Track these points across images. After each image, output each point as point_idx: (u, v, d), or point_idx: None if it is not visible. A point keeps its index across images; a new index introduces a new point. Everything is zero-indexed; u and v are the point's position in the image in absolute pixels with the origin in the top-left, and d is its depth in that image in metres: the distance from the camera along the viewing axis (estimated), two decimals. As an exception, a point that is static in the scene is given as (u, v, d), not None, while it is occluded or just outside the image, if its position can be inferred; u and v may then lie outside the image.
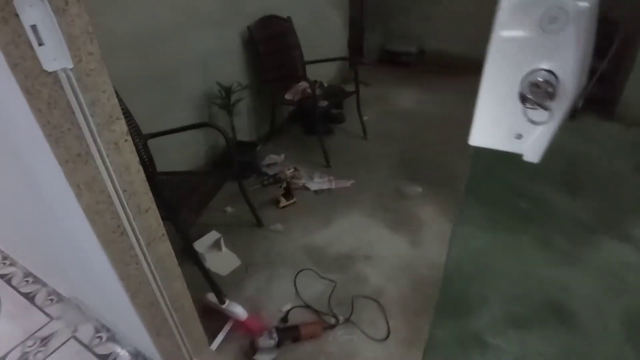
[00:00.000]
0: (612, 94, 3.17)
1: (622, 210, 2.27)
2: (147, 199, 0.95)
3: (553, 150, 2.54)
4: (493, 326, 1.65)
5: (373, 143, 3.05)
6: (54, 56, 0.67)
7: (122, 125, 0.82)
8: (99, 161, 0.80)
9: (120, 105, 1.47)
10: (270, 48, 2.70)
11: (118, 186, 0.85)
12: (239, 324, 1.58)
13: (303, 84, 2.69)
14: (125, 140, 0.85)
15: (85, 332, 1.50)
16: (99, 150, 0.79)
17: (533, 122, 0.53)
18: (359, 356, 1.53)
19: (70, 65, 0.70)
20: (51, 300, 1.65)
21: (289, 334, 1.53)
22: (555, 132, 0.55)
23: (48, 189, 0.91)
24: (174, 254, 1.09)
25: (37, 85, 0.68)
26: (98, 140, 0.79)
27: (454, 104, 3.59)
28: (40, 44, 0.66)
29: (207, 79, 2.41)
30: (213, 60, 2.43)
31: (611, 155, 2.75)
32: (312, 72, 2.98)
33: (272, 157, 2.73)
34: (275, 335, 1.49)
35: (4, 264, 1.83)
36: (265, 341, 1.48)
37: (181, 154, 2.35)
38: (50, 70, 0.68)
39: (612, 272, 1.89)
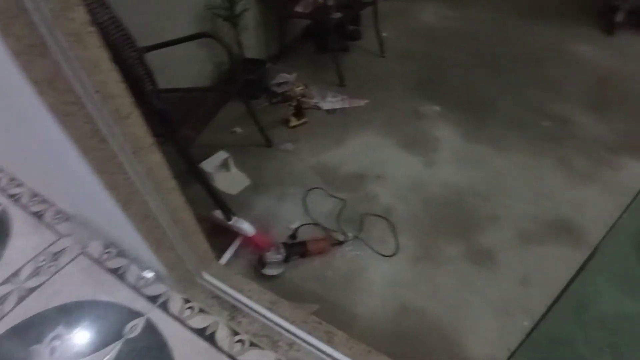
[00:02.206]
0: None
1: None
2: (126, 102, 0.87)
3: (584, 69, 2.31)
4: (502, 243, 1.60)
5: (391, 61, 2.82)
6: None
7: (81, 14, 0.72)
8: (58, 54, 0.72)
9: (107, 13, 1.36)
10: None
11: (88, 85, 0.78)
12: (247, 240, 1.59)
13: (315, -7, 2.44)
14: (89, 32, 0.75)
15: (95, 248, 1.54)
16: (56, 42, 0.70)
17: None
18: (367, 271, 1.53)
19: None
20: (59, 218, 1.68)
21: (296, 249, 1.53)
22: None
23: (11, 91, 0.84)
24: (166, 166, 1.04)
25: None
26: (55, 29, 0.69)
27: (479, 20, 3.24)
28: None
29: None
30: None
31: None
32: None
33: (284, 76, 2.58)
34: (282, 250, 1.49)
35: (12, 184, 1.87)
36: (272, 256, 1.48)
37: (185, 71, 2.23)
38: None
39: (629, 192, 1.77)
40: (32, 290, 1.40)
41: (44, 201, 1.75)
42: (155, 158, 0.99)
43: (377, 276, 1.51)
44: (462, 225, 1.68)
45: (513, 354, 1.26)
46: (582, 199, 1.77)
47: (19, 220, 1.68)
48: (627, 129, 2.11)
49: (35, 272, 1.46)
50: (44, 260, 1.50)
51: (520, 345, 1.29)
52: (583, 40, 2.82)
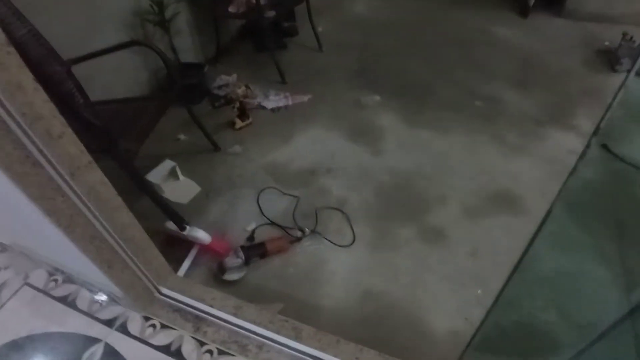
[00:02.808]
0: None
1: (568, 103, 2.30)
2: (57, 123, 0.83)
3: (506, 50, 2.50)
4: (451, 220, 1.70)
5: (329, 55, 2.86)
6: None
7: (-3, 33, 0.68)
8: (-25, 78, 0.67)
9: (26, 26, 1.27)
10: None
11: (12, 109, 0.73)
12: (204, 248, 1.56)
13: (246, -8, 2.41)
14: (8, 53, 0.70)
15: (38, 277, 1.44)
16: (-29, 65, 0.65)
17: None
18: (327, 263, 1.56)
19: None
20: (-8, 250, 1.56)
21: (255, 251, 1.53)
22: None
23: None
24: (109, 183, 1.00)
25: None
26: (-34, 51, 0.64)
27: (407, 9, 3.37)
28: None
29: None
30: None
31: (560, 52, 2.72)
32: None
33: (224, 78, 2.53)
34: (241, 253, 1.49)
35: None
36: (232, 260, 1.47)
37: (119, 82, 2.13)
38: None
39: (557, 159, 1.96)
40: (-27, 332, 1.29)
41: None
42: (96, 176, 0.95)
43: (338, 267, 1.55)
44: (413, 208, 1.77)
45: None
46: (517, 170, 1.92)
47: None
48: (549, 103, 2.31)
49: (-25, 312, 1.34)
50: (-19, 298, 1.38)
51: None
52: (502, 23, 3.03)
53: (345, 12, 3.40)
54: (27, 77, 0.75)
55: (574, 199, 1.83)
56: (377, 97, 2.38)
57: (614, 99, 2.30)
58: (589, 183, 1.91)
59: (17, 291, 1.38)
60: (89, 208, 0.95)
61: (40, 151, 0.80)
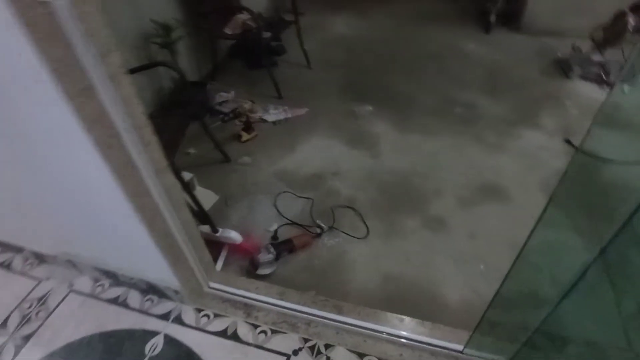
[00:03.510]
0: (518, 8, 3.48)
1: (533, 106, 2.64)
2: (148, 131, 0.98)
3: (475, 62, 2.87)
4: (448, 210, 1.94)
5: (318, 71, 3.10)
6: (49, -16, 0.66)
7: (117, 57, 0.83)
8: (103, 95, 0.82)
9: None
10: (200, -22, 2.54)
11: (123, 119, 0.88)
12: (235, 248, 1.70)
13: (243, 16, 2.61)
14: (122, 73, 0.86)
15: (83, 283, 1.53)
16: (102, 84, 0.81)
17: None
18: (347, 254, 1.74)
19: (65, -6, 0.69)
20: (31, 264, 1.62)
21: (284, 246, 1.69)
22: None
23: (47, 134, 0.90)
24: (178, 184, 1.14)
25: (35, 18, 0.67)
26: (99, 73, 0.80)
27: (384, 27, 3.71)
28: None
29: (140, 17, 2.25)
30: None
31: (521, 62, 3.10)
32: (244, 2, 2.86)
33: (223, 95, 2.69)
34: (272, 249, 1.64)
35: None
36: (264, 256, 1.62)
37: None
38: None
39: (530, 154, 2.26)
40: (27, 337, 1.36)
41: (7, 250, 1.66)
42: (170, 178, 1.10)
43: (357, 256, 1.73)
44: (414, 202, 1.99)
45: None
46: (498, 165, 2.19)
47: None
48: (517, 106, 2.64)
49: (25, 320, 1.41)
50: (30, 307, 1.45)
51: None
52: (469, 39, 3.40)
53: (327, 31, 3.67)
54: (132, 92, 0.90)
55: (550, 186, 2.12)
56: (369, 107, 2.61)
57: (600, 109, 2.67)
58: (559, 172, 2.22)
59: (64, 298, 1.47)
60: (166, 206, 1.09)
61: (139, 155, 0.95)
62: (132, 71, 1.74)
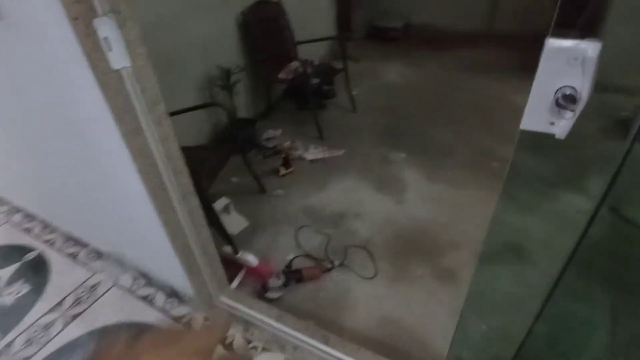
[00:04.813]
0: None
1: (581, 166, 2.58)
2: (180, 162, 1.23)
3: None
4: (461, 263, 1.98)
5: (362, 115, 3.32)
6: (118, 58, 0.94)
7: (162, 106, 1.10)
8: (148, 133, 1.08)
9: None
10: (263, 31, 2.92)
11: (161, 152, 1.14)
12: (251, 270, 1.90)
13: (295, 64, 2.93)
14: (165, 118, 1.12)
15: (125, 280, 1.82)
16: (147, 125, 1.07)
17: (563, 117, 0.81)
18: (352, 291, 1.86)
19: (129, 64, 0.97)
20: (92, 257, 1.96)
21: (293, 275, 1.85)
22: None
23: (108, 159, 1.19)
24: (201, 207, 1.38)
25: (109, 80, 0.95)
26: (147, 117, 1.06)
27: (434, 76, 3.86)
28: (110, 50, 0.92)
29: (208, 63, 2.65)
30: (211, 45, 2.66)
31: (578, 117, 3.04)
32: (303, 50, 3.20)
33: (270, 132, 3.00)
34: (282, 276, 1.81)
35: (45, 231, 2.14)
36: (274, 281, 1.79)
37: (187, 133, 2.61)
38: (116, 68, 0.95)
39: (566, 218, 2.22)
40: (75, 316, 1.66)
41: (76, 244, 2.02)
42: (195, 202, 1.34)
43: (361, 295, 1.84)
44: (428, 250, 2.06)
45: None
46: (526, 225, 2.18)
47: (56, 261, 1.95)
48: (561, 165, 2.60)
49: (77, 302, 1.72)
50: (83, 292, 1.76)
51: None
52: (521, 91, 3.42)
53: (378, 78, 3.91)
54: (171, 132, 1.16)
55: (580, 255, 2.07)
56: (403, 155, 2.75)
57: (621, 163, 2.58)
58: (597, 243, 2.16)
59: (108, 290, 1.76)
60: (187, 224, 1.32)
61: (169, 180, 1.20)
62: (189, 109, 2.09)
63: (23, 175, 1.84)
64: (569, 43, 0.79)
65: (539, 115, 0.90)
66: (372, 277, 1.92)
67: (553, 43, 0.78)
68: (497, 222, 2.14)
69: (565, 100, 0.82)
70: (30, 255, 2.00)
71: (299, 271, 1.88)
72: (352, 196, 2.44)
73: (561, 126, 0.89)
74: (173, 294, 1.68)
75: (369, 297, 1.83)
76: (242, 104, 3.07)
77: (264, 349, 1.48)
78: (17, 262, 1.97)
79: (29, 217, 2.27)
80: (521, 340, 1.31)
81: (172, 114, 2.04)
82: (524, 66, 3.85)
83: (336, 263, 1.97)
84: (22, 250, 2.06)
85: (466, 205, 2.35)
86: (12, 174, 1.95)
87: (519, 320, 1.65)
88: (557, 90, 0.85)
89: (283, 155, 2.58)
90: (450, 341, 1.58)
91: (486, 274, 1.93)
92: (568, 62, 0.79)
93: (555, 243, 2.10)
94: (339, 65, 3.24)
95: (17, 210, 2.35)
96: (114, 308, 1.67)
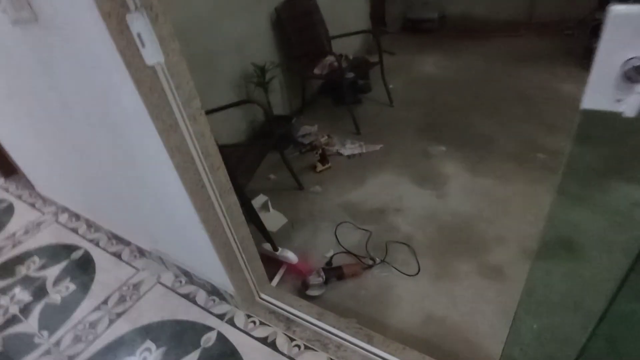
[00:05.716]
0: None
1: (635, 156, 2.37)
2: (217, 159, 1.23)
3: (569, 105, 2.72)
4: (509, 260, 1.86)
5: (399, 109, 3.22)
6: (152, 54, 0.94)
7: (197, 102, 1.09)
8: (184, 130, 1.08)
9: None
10: (297, 27, 2.90)
11: (198, 149, 1.13)
12: (291, 268, 1.88)
13: (329, 58, 2.89)
14: (200, 114, 1.12)
15: (167, 278, 1.86)
16: (184, 121, 1.07)
17: (633, 91, 0.74)
18: (394, 289, 1.79)
19: (162, 60, 0.96)
20: (135, 256, 2.02)
21: (334, 273, 1.82)
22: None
23: (146, 156, 1.20)
24: (239, 204, 1.37)
25: (143, 77, 0.96)
26: (183, 114, 1.06)
27: (473, 67, 3.68)
28: (143, 46, 0.92)
29: (243, 60, 2.67)
30: (246, 43, 2.67)
31: None
32: (337, 45, 3.16)
33: (306, 128, 2.98)
34: (322, 274, 1.78)
35: (89, 230, 2.24)
36: (314, 279, 1.77)
37: (225, 130, 2.65)
38: (150, 64, 0.95)
39: (621, 211, 2.03)
40: (120, 314, 1.71)
41: (119, 242, 2.09)
42: (233, 199, 1.33)
43: (404, 292, 1.78)
44: (473, 247, 1.95)
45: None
46: (578, 219, 2.03)
47: (100, 260, 2.03)
48: (614, 155, 2.41)
49: (121, 300, 1.77)
50: (127, 290, 1.81)
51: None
52: (567, 79, 3.20)
53: (414, 71, 3.79)
54: (207, 128, 1.16)
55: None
56: (443, 148, 2.64)
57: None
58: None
59: (151, 287, 1.80)
60: (226, 221, 1.32)
61: (207, 177, 1.20)
62: (225, 107, 2.10)
63: (67, 176, 1.93)
64: (638, 9, 0.70)
65: (604, 91, 0.81)
66: (415, 274, 1.85)
67: (619, 10, 0.69)
68: (554, 216, 2.00)
69: (637, 71, 0.72)
70: (77, 254, 2.10)
71: (339, 268, 1.84)
72: (391, 191, 2.36)
73: (630, 102, 0.79)
74: (214, 291, 1.69)
75: (412, 294, 1.76)
76: (278, 100, 3.07)
77: (307, 348, 1.45)
78: (64, 260, 2.07)
79: (74, 216, 2.38)
80: (582, 341, 1.20)
81: (208, 112, 2.09)
82: (568, 53, 3.61)
83: (377, 260, 1.91)
84: (69, 249, 2.16)
85: (512, 199, 2.21)
86: (57, 175, 2.05)
87: (576, 320, 1.52)
88: (624, 63, 0.75)
89: (320, 152, 2.55)
90: (505, 340, 1.49)
91: (539, 271, 1.81)
92: (637, 31, 0.70)
93: (609, 238, 1.94)
94: (374, 58, 3.16)
95: (64, 210, 2.47)
96: (157, 306, 1.71)
